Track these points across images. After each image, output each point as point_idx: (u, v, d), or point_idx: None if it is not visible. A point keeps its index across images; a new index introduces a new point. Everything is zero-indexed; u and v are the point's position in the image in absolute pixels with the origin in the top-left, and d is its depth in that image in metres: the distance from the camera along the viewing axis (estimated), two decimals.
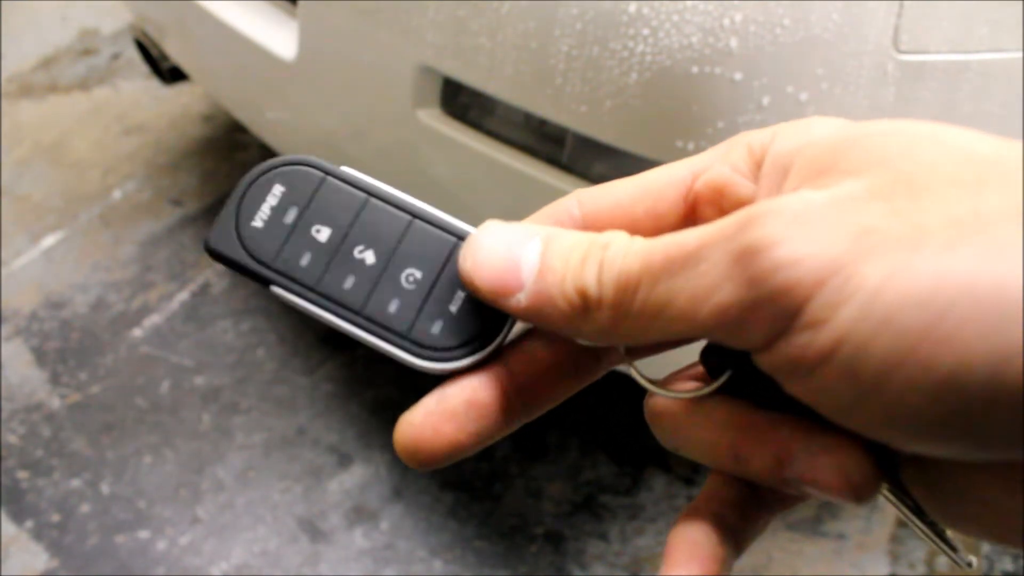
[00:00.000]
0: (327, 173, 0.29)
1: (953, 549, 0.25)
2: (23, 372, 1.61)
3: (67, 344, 1.66)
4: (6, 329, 1.68)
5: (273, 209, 0.28)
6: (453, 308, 0.28)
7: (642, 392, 0.28)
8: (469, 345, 0.27)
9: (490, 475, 1.43)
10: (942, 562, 1.31)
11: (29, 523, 1.39)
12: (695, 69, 0.79)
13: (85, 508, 1.41)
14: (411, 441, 0.26)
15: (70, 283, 1.78)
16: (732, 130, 0.80)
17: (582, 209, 0.28)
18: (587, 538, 1.34)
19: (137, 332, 1.67)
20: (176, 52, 1.62)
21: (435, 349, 0.27)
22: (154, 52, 1.74)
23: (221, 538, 1.36)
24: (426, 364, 0.27)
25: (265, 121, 1.44)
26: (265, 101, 1.38)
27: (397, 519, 1.37)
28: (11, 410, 1.55)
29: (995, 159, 0.21)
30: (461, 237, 0.28)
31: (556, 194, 0.92)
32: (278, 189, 0.28)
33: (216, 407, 1.54)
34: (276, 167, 0.29)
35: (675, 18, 0.78)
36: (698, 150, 0.49)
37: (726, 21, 0.77)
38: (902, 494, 0.24)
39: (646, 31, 0.79)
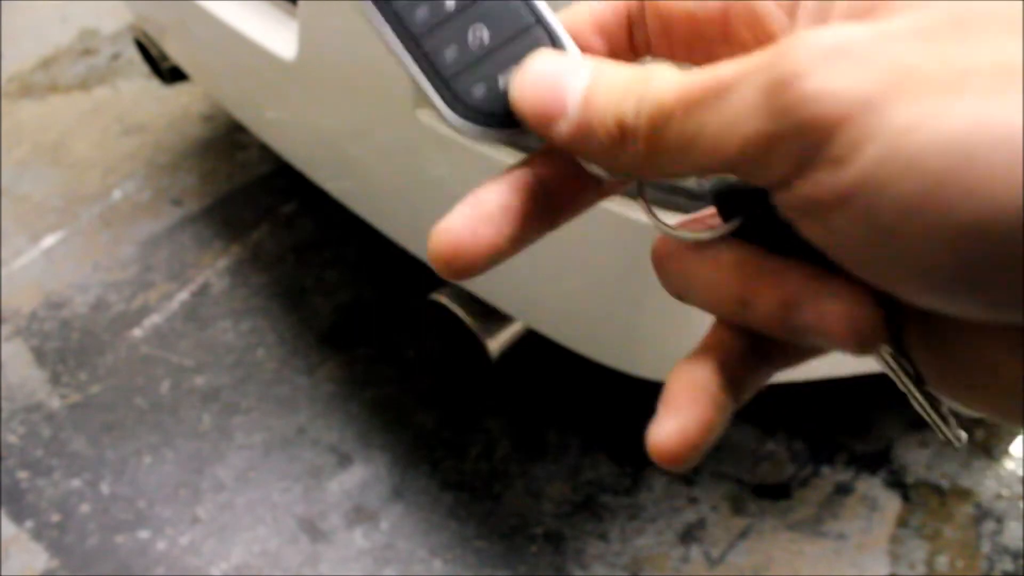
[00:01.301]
0: None
1: (946, 422, 0.25)
2: (23, 372, 1.61)
3: (67, 344, 1.66)
4: (6, 329, 1.69)
5: None
6: (501, 81, 0.28)
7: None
8: (498, 119, 0.28)
9: (490, 475, 1.43)
10: (942, 562, 1.31)
11: (29, 523, 1.39)
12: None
13: (85, 508, 1.41)
14: (450, 246, 0.26)
15: (70, 283, 1.78)
16: None
17: None
18: (587, 538, 1.34)
19: (137, 332, 1.67)
20: (176, 52, 1.62)
21: (467, 107, 0.28)
22: (154, 52, 1.75)
23: (221, 538, 1.36)
24: (451, 116, 0.28)
25: (265, 121, 1.44)
26: (265, 101, 1.38)
27: (397, 519, 1.37)
28: (11, 410, 1.55)
29: None
30: (539, 21, 0.28)
31: None
32: None
33: (216, 407, 1.54)
34: None
35: None
36: None
37: None
38: (903, 359, 0.24)
39: None
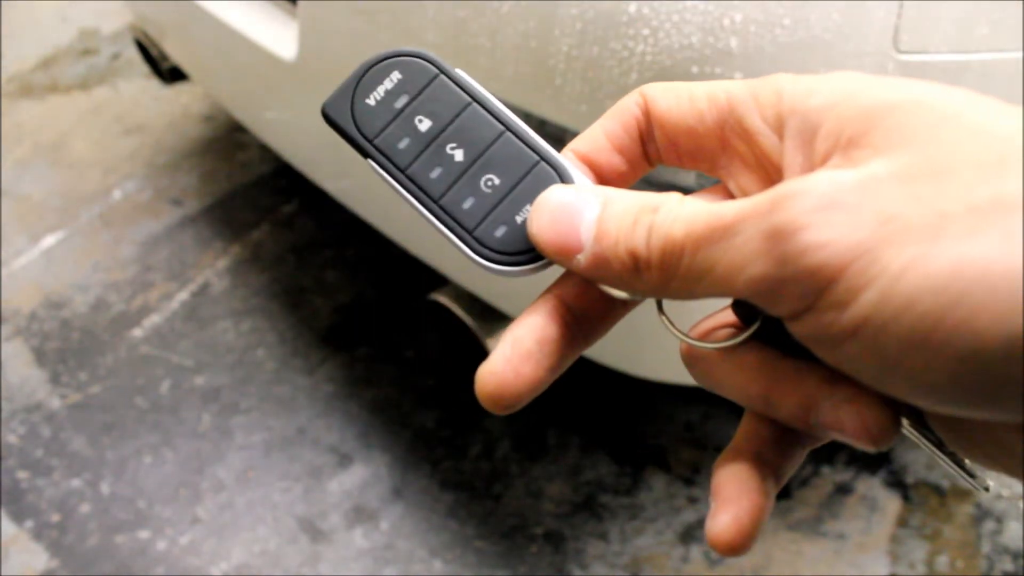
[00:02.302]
0: (441, 71, 0.32)
1: (972, 476, 0.27)
2: (23, 372, 1.61)
3: (67, 344, 1.66)
4: (6, 329, 1.69)
5: (387, 92, 0.31)
6: (519, 219, 0.30)
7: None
8: (524, 255, 0.30)
9: (490, 475, 1.43)
10: (942, 562, 1.31)
11: (29, 523, 1.39)
12: (695, 69, 0.79)
13: (85, 508, 1.41)
14: (496, 388, 0.28)
15: (70, 283, 1.78)
16: None
17: (645, 108, 0.30)
18: (587, 538, 1.34)
19: (137, 332, 1.67)
20: (176, 52, 1.62)
21: (493, 251, 0.30)
22: (154, 52, 1.75)
23: (221, 538, 1.36)
24: (482, 261, 0.30)
25: (265, 121, 1.44)
26: (265, 101, 1.38)
27: (397, 519, 1.37)
28: (11, 410, 1.55)
29: (1017, 137, 0.22)
30: (543, 158, 0.30)
31: None
32: (396, 75, 0.32)
33: (216, 407, 1.54)
34: (399, 56, 0.32)
35: (675, 18, 0.78)
36: None
37: (726, 21, 0.77)
38: (925, 430, 0.26)
39: (646, 31, 0.79)
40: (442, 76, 0.32)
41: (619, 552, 1.33)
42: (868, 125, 0.24)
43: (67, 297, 1.75)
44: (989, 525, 1.35)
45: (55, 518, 1.39)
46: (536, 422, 1.49)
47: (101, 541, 1.36)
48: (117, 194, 1.98)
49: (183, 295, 1.74)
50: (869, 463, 1.42)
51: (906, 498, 1.38)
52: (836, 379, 0.25)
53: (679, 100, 0.29)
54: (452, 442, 1.47)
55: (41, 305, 1.73)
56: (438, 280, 1.29)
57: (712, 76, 0.78)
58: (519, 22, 0.85)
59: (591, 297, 0.30)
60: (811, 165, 0.25)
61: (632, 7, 0.79)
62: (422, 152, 0.31)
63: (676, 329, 0.29)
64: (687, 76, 0.79)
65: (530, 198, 0.30)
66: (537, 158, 0.31)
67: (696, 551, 1.32)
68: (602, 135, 0.31)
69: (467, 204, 0.30)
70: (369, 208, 1.30)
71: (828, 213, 0.22)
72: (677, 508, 1.37)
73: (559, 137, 0.93)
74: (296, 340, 1.64)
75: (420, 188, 0.31)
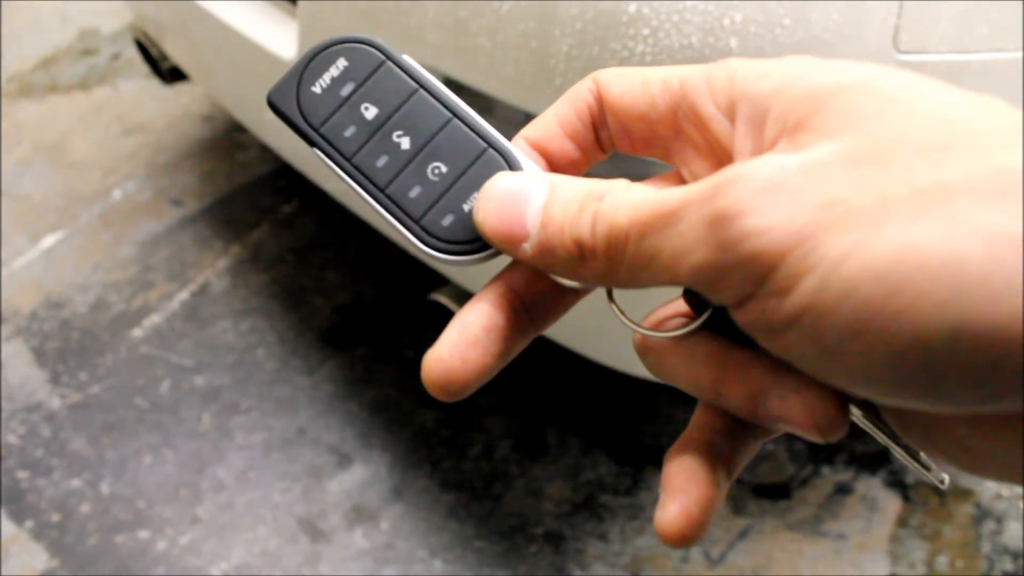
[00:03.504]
0: (388, 58, 0.31)
1: (927, 468, 0.26)
2: (23, 372, 1.61)
3: (67, 344, 1.66)
4: (6, 329, 1.68)
5: (333, 80, 0.31)
6: (466, 207, 0.30)
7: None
8: (471, 244, 0.29)
9: (490, 475, 1.43)
10: (942, 562, 1.31)
11: (29, 523, 1.39)
12: None
13: (85, 508, 1.41)
14: (443, 374, 0.28)
15: (70, 283, 1.78)
16: None
17: (597, 94, 0.30)
18: (587, 538, 1.34)
19: (137, 332, 1.67)
20: (176, 52, 1.62)
21: (440, 240, 0.30)
22: (154, 52, 1.74)
23: (221, 538, 1.36)
24: (428, 250, 0.30)
25: (265, 121, 1.44)
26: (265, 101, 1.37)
27: (397, 519, 1.37)
28: (11, 410, 1.55)
29: (963, 121, 0.21)
30: (491, 145, 0.30)
31: None
32: (342, 62, 0.31)
33: (216, 407, 1.54)
34: (345, 42, 0.31)
35: (675, 18, 0.78)
36: None
37: (726, 21, 0.77)
38: (878, 421, 0.26)
39: (646, 31, 0.79)
40: (389, 63, 0.31)
41: (619, 552, 1.33)
42: (814, 108, 0.23)
43: (67, 297, 1.75)
44: (989, 525, 1.35)
45: (55, 518, 1.39)
46: (536, 422, 1.49)
47: (101, 541, 1.36)
48: (117, 194, 1.98)
49: (183, 295, 1.74)
50: (869, 463, 1.42)
51: (906, 498, 1.38)
52: (784, 369, 0.25)
53: (631, 86, 0.29)
54: (452, 442, 1.47)
55: (41, 305, 1.73)
56: (438, 280, 1.29)
57: None
58: (519, 22, 0.85)
59: (540, 284, 0.29)
60: (760, 150, 0.25)
61: (632, 7, 0.79)
62: (368, 140, 0.30)
63: (627, 318, 0.29)
64: None
65: (477, 186, 0.29)
66: (485, 145, 0.30)
67: (696, 551, 1.32)
68: (554, 121, 0.31)
69: (414, 193, 0.30)
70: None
71: (770, 197, 0.21)
72: None
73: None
74: (296, 340, 1.64)
75: (366, 177, 0.30)
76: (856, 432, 0.26)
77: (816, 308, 0.21)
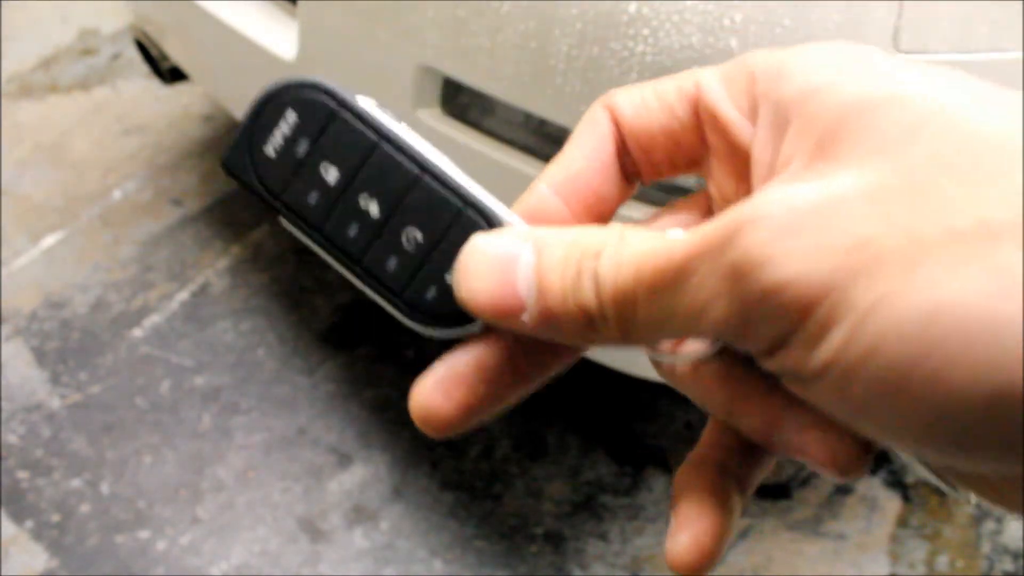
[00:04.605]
0: (341, 104, 0.27)
1: (953, 488, 0.25)
2: (23, 372, 1.61)
3: (67, 344, 1.66)
4: (6, 329, 1.68)
5: (286, 139, 0.27)
6: (448, 278, 0.26)
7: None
8: (461, 315, 0.26)
9: (490, 475, 1.43)
10: (942, 562, 1.31)
11: (29, 523, 1.39)
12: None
13: (85, 508, 1.41)
14: (424, 408, 0.26)
15: (70, 283, 1.78)
16: None
17: (612, 117, 0.27)
18: (587, 538, 1.34)
19: (137, 332, 1.67)
20: (176, 52, 1.62)
21: (426, 314, 0.27)
22: (154, 52, 1.74)
23: (221, 538, 1.36)
24: (417, 327, 0.27)
25: None
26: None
27: (397, 519, 1.37)
28: (11, 410, 1.55)
29: (1011, 145, 0.19)
30: (467, 202, 0.27)
31: None
32: (291, 116, 0.27)
33: (216, 407, 1.54)
34: (289, 90, 0.27)
35: (675, 18, 0.78)
36: None
37: (726, 21, 0.77)
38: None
39: (646, 31, 0.79)
40: (342, 111, 0.27)
41: (619, 552, 1.33)
42: (837, 129, 0.21)
43: (67, 297, 1.75)
44: (989, 525, 1.35)
45: (55, 518, 1.39)
46: (536, 422, 1.49)
47: (101, 541, 1.36)
48: (117, 194, 1.98)
49: (183, 295, 1.74)
50: None
51: (906, 498, 1.38)
52: (803, 402, 0.23)
53: (645, 100, 0.27)
54: (452, 442, 1.47)
55: (41, 305, 1.73)
56: None
57: None
58: (519, 22, 0.85)
59: None
60: (775, 165, 0.23)
61: (632, 7, 0.79)
62: (334, 207, 0.27)
63: None
64: None
65: (457, 251, 0.26)
66: (459, 204, 0.26)
67: None
68: (578, 157, 0.27)
69: (390, 264, 0.27)
70: None
71: (791, 241, 0.19)
72: None
73: (559, 138, 0.93)
74: (296, 340, 1.64)
75: (339, 249, 0.27)
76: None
77: (843, 363, 0.19)
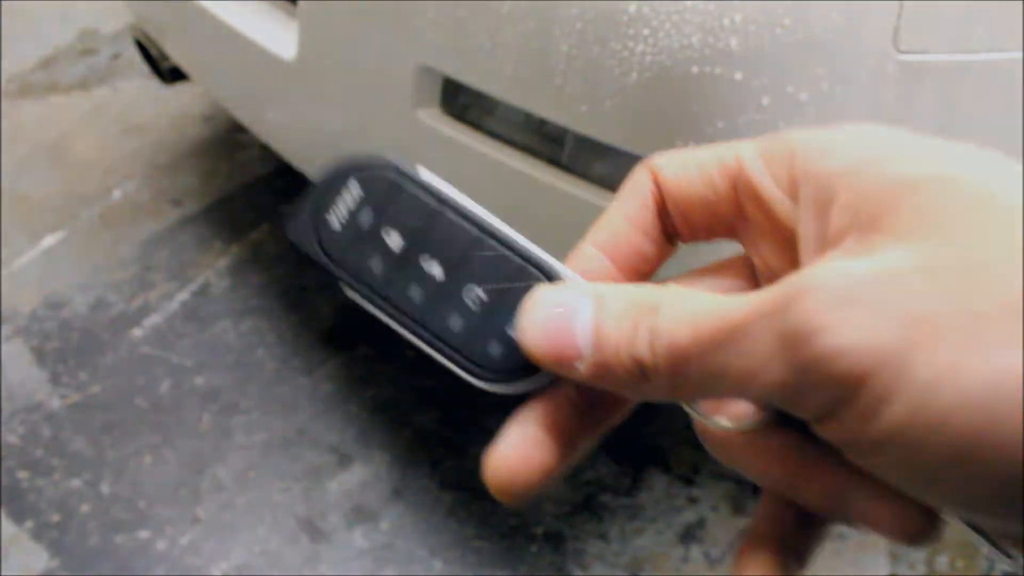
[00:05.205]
0: (403, 176, 0.29)
1: (1007, 553, 0.25)
2: (23, 372, 1.61)
3: (67, 344, 1.66)
4: (6, 329, 1.68)
5: (350, 212, 0.28)
6: (510, 332, 0.27)
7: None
8: (525, 370, 0.27)
9: None
10: (942, 562, 1.31)
11: (29, 523, 1.39)
12: (695, 69, 0.79)
13: (85, 508, 1.40)
14: (506, 477, 0.26)
15: (70, 283, 1.78)
16: (732, 130, 0.80)
17: (655, 180, 0.28)
18: (587, 538, 1.34)
19: (137, 332, 1.67)
20: (176, 52, 1.62)
21: (490, 370, 0.27)
22: (154, 52, 1.74)
23: (221, 538, 1.36)
24: (480, 384, 0.28)
25: (265, 121, 1.44)
26: (265, 101, 1.38)
27: (397, 519, 1.37)
28: (11, 410, 1.55)
29: None
30: (526, 260, 0.28)
31: (556, 194, 0.93)
32: (355, 188, 0.29)
33: (216, 407, 1.54)
34: (355, 168, 0.29)
35: (675, 18, 0.78)
36: None
37: (726, 21, 0.77)
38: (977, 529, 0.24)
39: (646, 31, 0.79)
40: (406, 181, 0.29)
41: (619, 552, 1.33)
42: (888, 205, 0.21)
43: (67, 297, 1.75)
44: None
45: (55, 518, 1.39)
46: None
47: (101, 541, 1.36)
48: (117, 194, 1.98)
49: (183, 295, 1.74)
50: None
51: None
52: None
53: (687, 168, 0.27)
54: (452, 442, 1.47)
55: (41, 305, 1.73)
56: None
57: (712, 76, 0.78)
58: (519, 22, 0.85)
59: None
60: (825, 239, 0.23)
61: (632, 7, 0.79)
62: (396, 271, 0.28)
63: (692, 407, 0.27)
64: (687, 76, 0.79)
65: (519, 306, 0.27)
66: (521, 262, 0.28)
67: (696, 551, 1.32)
68: (622, 218, 0.28)
69: (453, 322, 0.28)
70: None
71: (847, 311, 0.20)
72: (677, 508, 1.37)
73: (559, 138, 0.93)
74: (296, 340, 1.64)
75: (400, 311, 0.28)
76: None
77: (907, 435, 0.19)
